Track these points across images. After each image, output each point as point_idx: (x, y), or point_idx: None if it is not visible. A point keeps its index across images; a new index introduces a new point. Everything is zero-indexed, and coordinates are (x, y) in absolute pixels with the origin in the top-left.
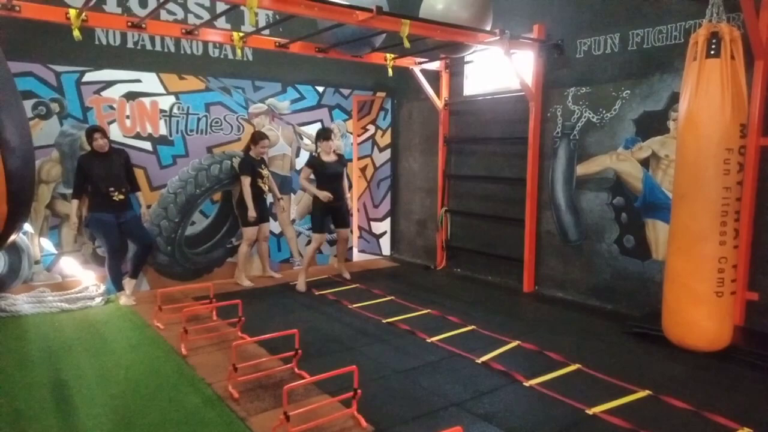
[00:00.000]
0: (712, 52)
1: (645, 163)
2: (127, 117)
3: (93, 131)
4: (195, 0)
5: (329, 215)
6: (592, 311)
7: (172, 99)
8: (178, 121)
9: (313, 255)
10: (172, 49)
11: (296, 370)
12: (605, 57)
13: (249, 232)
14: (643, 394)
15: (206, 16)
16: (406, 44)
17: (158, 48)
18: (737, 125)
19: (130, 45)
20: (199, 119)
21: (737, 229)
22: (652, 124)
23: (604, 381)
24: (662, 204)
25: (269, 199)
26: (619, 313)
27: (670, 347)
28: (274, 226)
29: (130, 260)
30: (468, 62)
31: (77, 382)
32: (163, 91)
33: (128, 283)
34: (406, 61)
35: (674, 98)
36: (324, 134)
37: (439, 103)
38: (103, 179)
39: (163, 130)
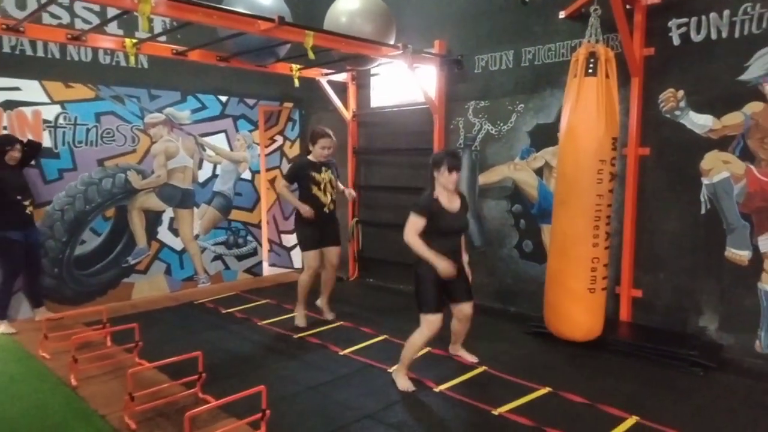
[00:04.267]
0: (590, 71)
1: (539, 172)
2: (5, 128)
3: (9, 143)
4: (82, 4)
5: (445, 284)
6: (497, 314)
7: (57, 108)
8: (64, 132)
9: (422, 345)
10: (57, 56)
11: (200, 394)
12: (501, 72)
13: (308, 257)
14: (544, 391)
15: (96, 20)
16: (311, 55)
17: (40, 54)
18: (610, 139)
19: (6, 50)
20: (88, 130)
21: (608, 232)
22: (545, 136)
23: (509, 381)
24: None
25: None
26: (521, 314)
27: (566, 344)
28: (176, 242)
29: (25, 288)
30: (374, 75)
31: None
32: (47, 100)
33: (41, 312)
34: (312, 72)
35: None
36: (451, 161)
37: (348, 115)
38: (14, 190)
39: (47, 142)
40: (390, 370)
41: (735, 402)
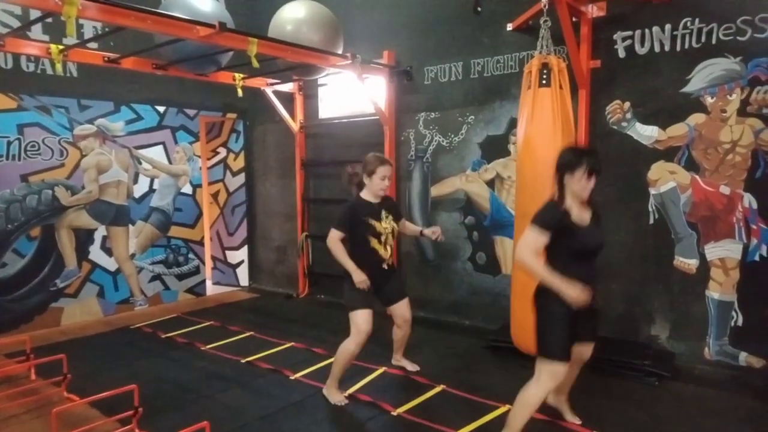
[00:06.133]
0: (544, 82)
1: (491, 183)
2: None
3: None
4: (2, 6)
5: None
6: (452, 328)
7: None
8: None
9: (540, 402)
10: None
11: (137, 431)
12: (450, 84)
13: (358, 318)
14: (504, 408)
15: (16, 24)
16: (255, 64)
17: None
18: None
19: None
20: (9, 143)
21: None
22: (495, 148)
23: (467, 399)
24: (507, 221)
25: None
26: (476, 327)
27: (523, 358)
28: (110, 262)
29: None
30: (322, 85)
31: None
32: None
33: None
34: (257, 82)
35: (513, 123)
36: (593, 162)
37: (295, 126)
38: None
39: None
40: None
41: (691, 410)
